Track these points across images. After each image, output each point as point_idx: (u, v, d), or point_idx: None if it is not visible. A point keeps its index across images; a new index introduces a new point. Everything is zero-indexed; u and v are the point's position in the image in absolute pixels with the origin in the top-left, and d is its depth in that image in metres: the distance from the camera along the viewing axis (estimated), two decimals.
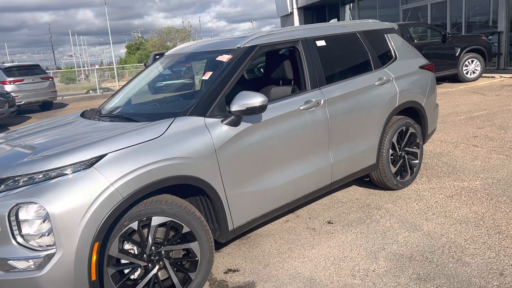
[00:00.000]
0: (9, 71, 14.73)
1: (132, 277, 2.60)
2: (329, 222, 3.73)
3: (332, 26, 3.97)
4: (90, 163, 2.36)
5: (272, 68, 3.98)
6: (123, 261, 2.56)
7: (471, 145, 5.52)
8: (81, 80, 40.26)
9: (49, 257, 2.22)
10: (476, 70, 11.08)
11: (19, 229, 2.23)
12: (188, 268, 2.71)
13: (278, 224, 3.79)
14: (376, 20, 4.55)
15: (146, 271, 2.61)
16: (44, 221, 2.22)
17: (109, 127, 2.87)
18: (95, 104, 16.74)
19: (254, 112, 2.84)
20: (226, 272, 3.07)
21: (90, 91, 25.13)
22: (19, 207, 2.22)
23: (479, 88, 10.17)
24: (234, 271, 3.08)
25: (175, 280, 2.63)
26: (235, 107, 2.83)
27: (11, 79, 14.47)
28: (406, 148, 4.32)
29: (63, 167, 2.32)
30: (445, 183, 4.34)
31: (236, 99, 2.85)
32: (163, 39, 50.05)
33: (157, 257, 2.62)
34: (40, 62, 16.01)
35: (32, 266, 2.23)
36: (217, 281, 2.96)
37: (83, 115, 3.58)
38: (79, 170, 2.33)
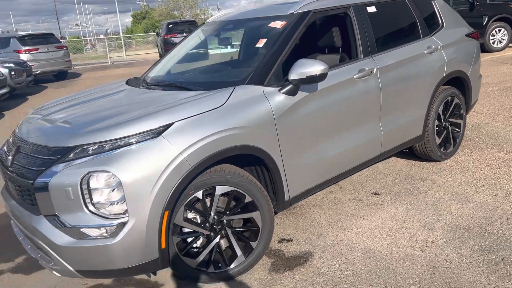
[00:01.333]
0: (23, 40, 14.58)
1: (194, 245, 2.61)
2: (375, 193, 3.70)
3: None
4: (158, 132, 2.32)
5: (318, 35, 3.87)
6: (186, 230, 2.56)
7: (509, 116, 5.41)
8: (88, 49, 39.92)
9: (122, 225, 2.22)
10: (503, 39, 10.78)
11: (91, 198, 2.22)
12: (248, 237, 2.71)
13: (322, 195, 3.77)
14: None
15: (208, 239, 2.61)
16: (116, 190, 2.20)
17: (166, 96, 2.81)
18: (108, 74, 16.63)
19: (314, 80, 2.77)
20: (279, 242, 3.07)
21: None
22: (90, 175, 2.20)
23: (507, 58, 9.91)
24: (288, 240, 3.08)
25: (237, 249, 2.64)
26: (293, 75, 2.76)
27: (26, 48, 14.34)
28: (450, 119, 4.24)
29: (132, 135, 2.29)
30: (489, 154, 4.28)
31: (294, 67, 2.77)
32: (170, 7, 49.14)
33: (219, 226, 2.61)
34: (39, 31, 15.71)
35: (105, 234, 2.23)
36: (272, 250, 2.96)
37: (128, 84, 3.52)
38: (148, 139, 2.29)
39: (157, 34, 22.53)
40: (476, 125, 5.21)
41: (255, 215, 2.66)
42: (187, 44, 3.99)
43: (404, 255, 2.74)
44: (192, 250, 2.60)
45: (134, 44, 36.07)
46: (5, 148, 2.89)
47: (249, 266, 2.69)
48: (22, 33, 15.33)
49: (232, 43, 3.94)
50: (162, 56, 20.08)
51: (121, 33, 33.02)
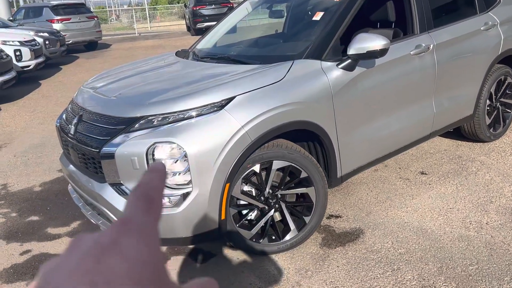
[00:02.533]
0: (56, 9, 14.66)
1: (249, 218, 2.65)
2: (422, 173, 3.66)
3: None
4: (221, 105, 2.33)
5: (370, 9, 3.76)
6: (242, 202, 2.60)
7: None
8: (113, 20, 39.94)
9: (185, 195, 2.26)
10: None
11: None
12: (301, 212, 2.73)
13: (367, 173, 3.75)
14: None
15: (263, 212, 2.64)
16: (181, 161, 2.24)
17: (223, 69, 2.80)
18: (137, 45, 16.67)
19: (374, 56, 2.70)
20: (328, 218, 3.08)
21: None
22: (156, 146, 2.24)
23: None
24: (337, 217, 3.09)
25: (290, 222, 2.67)
26: (353, 50, 2.70)
27: (58, 17, 14.44)
28: (501, 99, 4.11)
29: (196, 108, 2.30)
30: None
31: (354, 42, 2.71)
32: None
33: (274, 200, 2.64)
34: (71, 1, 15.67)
35: (168, 204, 2.28)
36: (322, 226, 2.98)
37: (178, 56, 3.52)
38: (211, 112, 2.30)
39: (185, 6, 22.32)
40: None
41: (310, 190, 2.67)
42: (235, 16, 3.95)
43: (458, 235, 2.72)
44: (247, 223, 2.64)
45: (158, 15, 35.89)
46: (64, 116, 2.95)
47: (302, 240, 2.72)
48: (54, 2, 15.41)
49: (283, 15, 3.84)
50: (189, 28, 20.01)
51: (145, 4, 32.83)
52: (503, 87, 4.06)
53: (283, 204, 2.66)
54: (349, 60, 2.75)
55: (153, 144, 2.23)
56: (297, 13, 3.76)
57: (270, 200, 2.63)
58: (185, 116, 2.28)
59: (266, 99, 2.45)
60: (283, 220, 2.70)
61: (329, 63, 2.75)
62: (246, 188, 2.61)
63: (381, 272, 2.45)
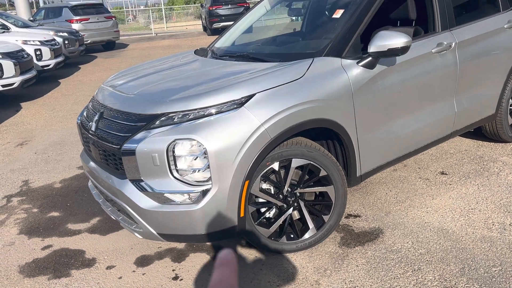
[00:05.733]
0: (75, 10, 14.89)
1: (267, 215, 2.64)
2: (442, 173, 3.60)
3: None
4: (241, 103, 2.33)
5: (390, 7, 3.71)
6: (261, 200, 2.59)
7: None
8: (130, 20, 40.38)
9: (205, 192, 2.27)
10: None
11: (175, 164, 2.28)
12: (320, 211, 2.71)
13: (386, 173, 3.71)
14: None
15: (281, 211, 2.63)
16: (201, 158, 2.25)
17: (242, 67, 2.80)
18: (154, 45, 16.81)
19: (395, 54, 2.67)
20: (347, 217, 3.06)
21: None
22: (176, 142, 2.25)
23: None
24: (356, 216, 3.06)
25: (309, 221, 2.65)
26: (374, 47, 2.67)
27: (77, 17, 14.66)
28: None
29: (216, 105, 2.30)
30: None
31: (375, 39, 2.68)
32: None
33: (292, 198, 2.63)
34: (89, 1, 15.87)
35: (188, 200, 2.29)
36: (340, 225, 2.96)
37: (197, 54, 3.53)
38: (231, 109, 2.30)
39: (202, 6, 22.41)
40: None
41: (329, 189, 2.65)
42: (253, 15, 3.94)
43: (480, 236, 2.67)
44: (265, 221, 2.64)
45: (174, 15, 36.13)
46: (85, 113, 2.99)
47: (320, 239, 2.70)
48: (73, 3, 15.65)
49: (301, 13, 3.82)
50: (206, 28, 20.07)
51: (162, 4, 33.06)
52: None
53: (302, 203, 2.65)
54: (370, 58, 2.73)
55: (174, 141, 2.24)
56: (316, 11, 3.74)
57: (289, 198, 2.62)
58: (205, 114, 2.29)
59: (286, 97, 2.44)
60: (302, 218, 2.69)
61: (349, 61, 2.73)
62: (265, 186, 2.61)
63: (402, 272, 2.41)
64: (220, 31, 15.96)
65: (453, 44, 3.22)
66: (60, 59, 10.21)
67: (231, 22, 4.33)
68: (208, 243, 2.83)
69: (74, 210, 3.50)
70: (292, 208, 2.64)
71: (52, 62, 9.75)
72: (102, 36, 15.25)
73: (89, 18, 14.87)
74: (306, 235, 2.66)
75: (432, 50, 3.10)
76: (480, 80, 3.53)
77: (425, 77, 3.08)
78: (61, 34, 11.85)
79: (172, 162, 2.27)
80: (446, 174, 3.59)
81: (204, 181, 2.28)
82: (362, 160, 2.87)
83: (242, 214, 2.39)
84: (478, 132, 4.09)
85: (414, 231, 2.81)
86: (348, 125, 2.70)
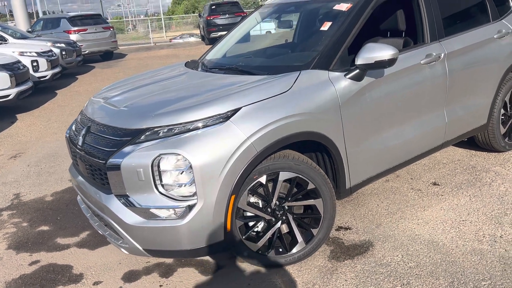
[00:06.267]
0: (73, 21, 14.99)
1: (256, 229, 2.62)
2: (434, 184, 3.59)
3: None
4: (227, 116, 2.32)
5: (380, 18, 3.73)
6: (249, 214, 2.57)
7: None
8: (129, 30, 40.67)
9: (190, 207, 2.25)
10: None
11: (161, 179, 2.26)
12: (309, 224, 2.69)
13: (379, 184, 3.69)
14: None
15: (269, 224, 2.61)
16: (186, 172, 2.23)
17: (230, 80, 2.80)
18: (152, 54, 16.88)
19: (383, 66, 2.67)
20: (337, 230, 3.04)
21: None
22: (161, 157, 2.23)
23: None
24: (346, 228, 3.04)
25: (298, 235, 2.63)
26: (361, 60, 2.67)
27: (75, 28, 14.74)
28: None
29: (201, 119, 2.30)
30: None
31: (362, 51, 2.68)
32: None
33: (280, 212, 2.61)
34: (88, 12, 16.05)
35: (173, 215, 2.27)
36: (331, 238, 2.93)
37: (187, 66, 3.53)
38: (217, 123, 2.30)
39: (200, 16, 22.56)
40: None
41: (317, 202, 2.64)
42: (244, 27, 3.95)
43: (471, 249, 2.65)
44: (253, 234, 2.61)
45: (174, 25, 36.35)
46: (73, 127, 2.98)
47: (309, 253, 2.68)
48: (71, 14, 15.76)
49: (293, 25, 3.83)
50: (204, 37, 20.17)
51: (161, 14, 33.32)
52: None
53: (290, 216, 2.63)
54: (357, 70, 2.72)
55: (159, 156, 2.23)
56: (306, 23, 3.75)
57: (277, 212, 2.60)
58: (191, 128, 2.28)
59: (272, 110, 2.43)
60: (291, 232, 2.67)
61: (337, 73, 2.73)
62: (252, 199, 2.59)
63: (390, 287, 2.39)
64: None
65: (442, 55, 3.22)
66: (57, 70, 10.24)
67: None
68: (196, 258, 2.80)
69: (64, 224, 3.47)
70: (280, 221, 2.62)
71: (49, 73, 9.78)
72: (100, 46, 15.32)
73: (87, 29, 14.96)
74: (295, 249, 2.63)
75: (421, 62, 3.10)
76: (471, 90, 3.52)
77: (414, 88, 3.08)
78: (58, 45, 11.90)
79: (157, 177, 2.26)
80: (438, 184, 3.57)
81: (189, 196, 2.26)
82: (351, 172, 2.85)
83: (229, 229, 2.37)
84: (472, 141, 4.07)
85: (405, 243, 2.78)
86: (336, 137, 2.69)
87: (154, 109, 2.47)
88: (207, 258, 2.82)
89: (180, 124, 2.29)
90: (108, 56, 16.38)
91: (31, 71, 9.11)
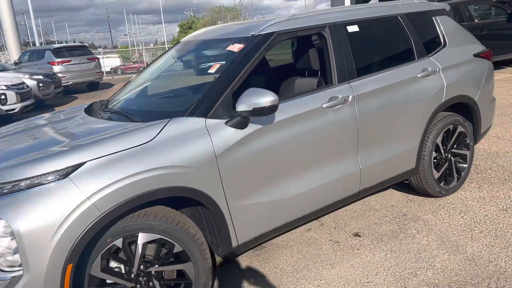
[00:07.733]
0: (57, 52, 15.05)
1: None
2: (356, 235, 3.28)
3: (368, 9, 3.41)
4: (66, 173, 2.06)
5: (297, 57, 3.52)
6: (108, 281, 2.28)
7: None
8: (135, 59, 41.11)
9: (16, 279, 1.97)
10: None
11: None
12: None
13: (298, 233, 3.39)
14: (424, 0, 3.92)
15: None
16: (9, 240, 1.96)
17: (96, 128, 2.56)
18: None
19: (262, 113, 2.42)
20: None
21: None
22: None
23: None
24: None
25: None
26: (241, 106, 2.42)
27: (59, 59, 14.78)
28: (453, 150, 3.73)
29: (33, 177, 2.04)
30: (499, 191, 3.72)
31: (242, 97, 2.44)
32: (214, 18, 49.79)
33: (145, 278, 2.31)
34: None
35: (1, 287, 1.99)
36: None
37: (89, 108, 3.31)
38: (52, 181, 2.04)
39: None
40: (493, 153, 4.62)
41: (186, 266, 2.34)
42: (161, 64, 3.74)
43: None
44: None
45: None
46: None
47: None
48: (56, 45, 15.88)
49: (194, 66, 3.62)
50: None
51: (165, 43, 33.77)
52: (454, 137, 3.69)
53: (156, 283, 2.33)
54: (238, 117, 2.47)
55: None
56: (200, 64, 3.54)
57: (141, 279, 2.30)
58: (20, 188, 2.02)
59: (126, 164, 2.17)
60: None
61: (216, 121, 2.48)
62: (114, 264, 2.30)
63: None
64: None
65: (351, 97, 2.98)
66: (28, 102, 10.14)
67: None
68: None
69: None
70: None
71: (18, 106, 9.68)
72: (83, 77, 15.33)
73: (71, 60, 15.00)
74: None
75: (323, 105, 2.85)
76: (391, 134, 3.26)
77: (315, 135, 2.82)
78: (35, 77, 11.88)
79: None
80: (359, 236, 3.26)
81: (15, 266, 1.98)
82: (238, 228, 2.57)
83: None
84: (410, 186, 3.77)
85: None
86: (214, 192, 2.42)
87: None
88: None
89: (10, 182, 2.04)
90: (94, 86, 16.40)
91: None
